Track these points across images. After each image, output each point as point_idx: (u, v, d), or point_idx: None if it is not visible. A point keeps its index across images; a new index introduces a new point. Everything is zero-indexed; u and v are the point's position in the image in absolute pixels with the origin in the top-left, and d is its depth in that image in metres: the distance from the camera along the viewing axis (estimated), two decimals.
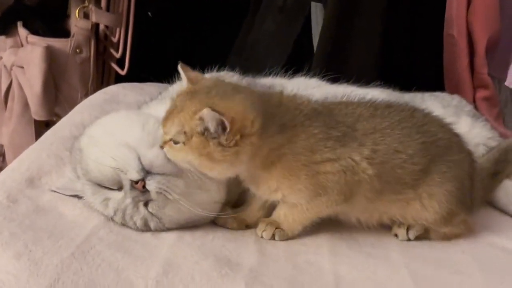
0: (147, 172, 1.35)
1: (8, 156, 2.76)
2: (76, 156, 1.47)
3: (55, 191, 1.51)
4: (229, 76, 1.69)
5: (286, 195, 1.36)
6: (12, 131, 2.71)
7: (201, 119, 1.25)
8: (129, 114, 1.51)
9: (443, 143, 1.47)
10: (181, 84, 1.63)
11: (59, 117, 2.74)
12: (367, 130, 1.38)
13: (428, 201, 1.44)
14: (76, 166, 1.48)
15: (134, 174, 1.35)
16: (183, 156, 1.31)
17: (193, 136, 1.28)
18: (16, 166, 1.60)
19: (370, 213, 1.46)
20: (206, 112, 1.22)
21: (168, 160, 1.36)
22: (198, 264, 1.28)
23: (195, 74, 1.41)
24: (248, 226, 1.48)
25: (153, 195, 1.36)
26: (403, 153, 1.39)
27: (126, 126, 1.43)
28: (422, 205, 1.45)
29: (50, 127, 2.81)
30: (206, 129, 1.25)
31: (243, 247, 1.39)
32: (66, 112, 2.71)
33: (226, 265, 1.29)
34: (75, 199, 1.48)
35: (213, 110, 1.22)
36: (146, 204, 1.38)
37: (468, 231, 1.55)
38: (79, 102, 2.68)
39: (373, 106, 1.46)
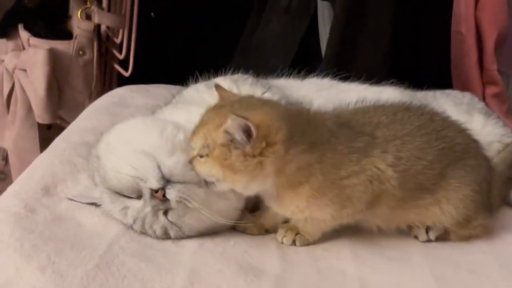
0: (167, 181, 1.34)
1: (12, 160, 2.73)
2: (94, 164, 1.46)
3: (72, 199, 1.48)
4: (244, 79, 1.67)
5: (313, 213, 1.34)
6: (16, 135, 2.69)
7: (225, 131, 1.24)
8: (146, 121, 1.48)
9: (461, 148, 1.46)
10: (197, 88, 1.62)
11: (62, 120, 2.73)
12: (388, 137, 1.37)
13: (446, 206, 1.44)
14: (93, 174, 1.47)
15: (154, 183, 1.33)
16: (208, 170, 1.29)
17: (216, 148, 1.26)
18: (30, 174, 1.58)
19: (390, 221, 1.45)
20: (232, 118, 1.21)
21: (188, 168, 1.34)
22: (222, 272, 1.27)
23: (228, 93, 1.41)
24: (267, 231, 1.47)
25: (173, 203, 1.34)
26: (423, 160, 1.38)
27: (144, 133, 1.41)
28: (440, 210, 1.44)
29: (53, 130, 2.82)
30: (231, 140, 1.24)
31: (265, 253, 1.38)
32: (69, 115, 2.71)
33: (250, 272, 1.28)
34: (92, 207, 1.46)
35: (238, 116, 1.20)
36: (165, 213, 1.36)
37: (486, 233, 1.55)
38: (83, 105, 2.68)
39: (391, 111, 1.44)
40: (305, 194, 1.29)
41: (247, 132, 1.22)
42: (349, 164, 1.30)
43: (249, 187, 1.29)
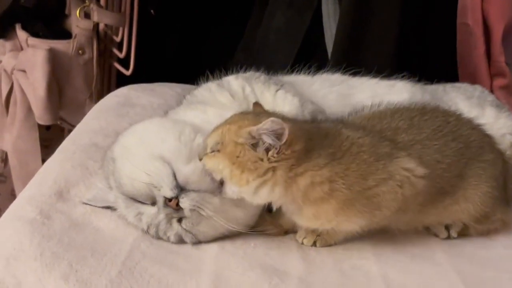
0: (181, 189, 1.31)
1: (12, 162, 2.69)
2: (109, 166, 1.43)
3: (87, 204, 1.46)
4: (256, 77, 1.64)
5: (340, 223, 1.32)
6: (16, 136, 2.65)
7: (249, 133, 1.23)
8: (164, 123, 1.45)
9: (476, 144, 1.46)
10: (208, 88, 1.60)
11: (63, 120, 2.70)
12: (408, 142, 1.36)
13: (464, 204, 1.43)
14: (108, 176, 1.44)
15: (168, 192, 1.30)
16: (216, 164, 1.27)
17: (230, 145, 1.25)
18: (42, 179, 1.55)
19: (410, 224, 1.44)
20: (272, 120, 1.19)
21: (205, 176, 1.31)
22: (246, 276, 1.26)
23: (261, 108, 1.41)
24: (286, 232, 1.45)
25: (186, 212, 1.32)
26: (443, 163, 1.38)
27: (162, 137, 1.37)
28: (459, 208, 1.44)
29: (52, 130, 2.79)
30: (255, 142, 1.23)
31: (286, 254, 1.37)
32: (70, 116, 2.69)
33: (274, 275, 1.26)
34: (108, 211, 1.43)
35: (277, 118, 1.20)
36: (179, 220, 1.33)
37: (504, 227, 1.54)
38: (83, 105, 2.66)
39: (408, 116, 1.44)
40: (333, 208, 1.27)
41: (278, 136, 1.20)
42: (376, 173, 1.28)
43: (257, 194, 1.26)
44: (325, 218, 1.29)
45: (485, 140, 1.51)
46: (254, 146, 1.23)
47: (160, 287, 1.19)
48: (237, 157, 1.24)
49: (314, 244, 1.41)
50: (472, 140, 1.46)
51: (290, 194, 1.26)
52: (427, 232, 1.51)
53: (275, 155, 1.22)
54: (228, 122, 1.29)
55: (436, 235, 1.49)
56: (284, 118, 1.29)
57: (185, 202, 1.30)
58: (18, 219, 1.36)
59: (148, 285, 1.19)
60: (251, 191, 1.26)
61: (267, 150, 1.22)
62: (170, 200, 1.31)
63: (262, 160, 1.23)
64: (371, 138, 1.32)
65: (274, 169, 1.23)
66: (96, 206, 1.46)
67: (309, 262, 1.34)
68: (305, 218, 1.31)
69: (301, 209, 1.29)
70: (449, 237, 1.49)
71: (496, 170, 1.48)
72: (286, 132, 1.20)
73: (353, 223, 1.32)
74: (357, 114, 1.50)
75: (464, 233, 1.50)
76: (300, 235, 1.42)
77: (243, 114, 1.32)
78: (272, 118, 1.19)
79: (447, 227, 1.49)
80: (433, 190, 1.36)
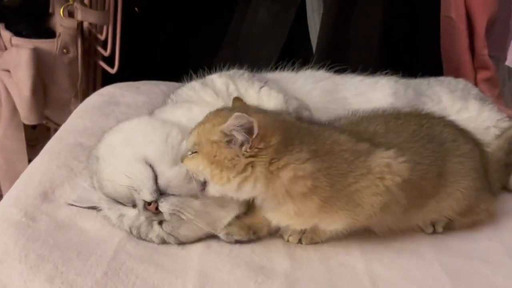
0: (161, 194, 1.30)
1: None
2: (93, 165, 1.42)
3: (72, 205, 1.45)
4: (240, 74, 1.64)
5: (323, 221, 1.32)
6: (2, 136, 2.64)
7: (222, 131, 1.22)
8: (152, 122, 1.43)
9: (450, 139, 1.47)
10: (192, 87, 1.60)
11: (48, 120, 2.69)
12: (387, 144, 1.36)
13: (447, 200, 1.44)
14: (92, 176, 1.43)
15: (147, 196, 1.30)
16: (196, 165, 1.26)
17: (206, 144, 1.25)
18: (27, 180, 1.55)
19: (393, 226, 1.44)
20: (236, 116, 1.19)
21: (188, 179, 1.31)
22: (232, 274, 1.26)
23: (242, 102, 1.41)
24: (255, 233, 1.40)
25: (166, 216, 1.31)
26: (423, 164, 1.38)
27: (148, 137, 1.36)
28: (442, 205, 1.45)
29: (38, 129, 2.78)
30: (227, 140, 1.23)
31: (272, 252, 1.36)
32: (55, 115, 2.67)
33: (260, 273, 1.27)
34: (94, 212, 1.43)
35: (243, 113, 1.19)
36: (160, 223, 1.33)
37: (489, 217, 1.56)
38: (68, 104, 2.65)
39: (383, 121, 1.45)
40: (315, 206, 1.27)
41: (248, 130, 1.20)
42: (356, 170, 1.28)
43: (240, 190, 1.25)
44: (308, 215, 1.28)
45: (459, 134, 1.51)
46: (229, 143, 1.23)
47: (146, 286, 1.19)
48: (215, 156, 1.24)
49: (300, 241, 1.41)
50: (445, 136, 1.46)
51: (272, 189, 1.25)
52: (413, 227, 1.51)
53: (248, 150, 1.22)
54: (203, 121, 1.29)
55: (422, 230, 1.49)
56: (258, 110, 1.30)
57: (164, 207, 1.30)
58: (3, 221, 1.36)
59: (134, 286, 1.19)
60: (233, 189, 1.25)
61: (242, 145, 1.22)
62: (149, 203, 1.30)
63: (238, 156, 1.22)
64: (351, 138, 1.32)
65: (252, 164, 1.22)
66: (81, 207, 1.45)
67: (295, 259, 1.34)
68: (287, 216, 1.30)
69: (284, 206, 1.28)
70: (434, 232, 1.49)
71: (474, 161, 1.49)
72: (255, 126, 1.19)
73: (335, 222, 1.32)
74: (340, 121, 1.49)
75: (449, 227, 1.50)
76: (286, 232, 1.42)
77: (217, 111, 1.31)
78: (237, 113, 1.19)
79: (432, 223, 1.49)
80: (416, 192, 1.37)
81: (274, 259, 1.33)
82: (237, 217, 1.39)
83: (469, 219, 1.51)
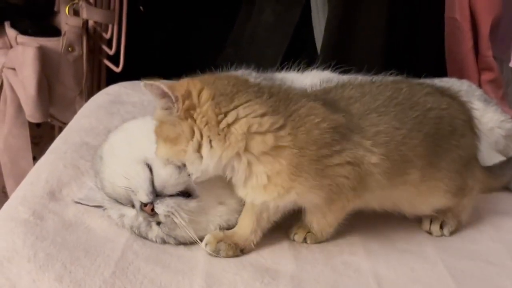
0: (157, 195, 1.31)
1: (3, 159, 2.69)
2: (97, 164, 1.43)
3: (78, 202, 1.47)
4: (247, 74, 1.65)
5: (301, 195, 1.26)
6: (7, 134, 2.65)
7: (155, 110, 1.26)
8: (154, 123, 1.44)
9: (435, 113, 1.41)
10: None
11: (53, 118, 2.70)
12: (363, 112, 1.33)
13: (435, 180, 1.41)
14: (96, 175, 1.45)
15: (144, 197, 1.30)
16: (160, 152, 1.28)
17: (156, 129, 1.28)
18: (35, 179, 1.56)
19: (382, 202, 1.41)
20: (144, 85, 1.22)
21: (184, 179, 1.31)
22: (239, 275, 1.27)
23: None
24: (242, 250, 1.36)
25: (162, 217, 1.32)
26: (402, 129, 1.33)
27: (148, 137, 1.35)
28: (429, 185, 1.41)
29: (42, 127, 2.79)
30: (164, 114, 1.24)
31: (278, 253, 1.38)
32: (60, 113, 2.69)
33: (266, 274, 1.28)
34: (100, 210, 1.44)
35: (148, 81, 1.22)
36: (159, 223, 1.34)
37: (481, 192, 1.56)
38: (73, 102, 2.66)
39: (358, 84, 1.41)
40: (286, 172, 1.22)
41: (164, 94, 1.21)
42: (331, 143, 1.24)
43: (203, 158, 1.22)
44: (281, 184, 1.23)
45: (444, 102, 1.45)
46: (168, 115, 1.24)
47: (154, 287, 1.20)
48: (162, 134, 1.25)
49: (305, 240, 1.42)
50: (429, 108, 1.40)
51: (232, 148, 1.21)
52: (418, 225, 1.53)
53: (177, 112, 1.21)
54: None
55: (429, 233, 1.51)
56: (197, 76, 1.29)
57: (160, 208, 1.30)
58: (11, 220, 1.37)
59: (141, 285, 1.20)
60: (195, 158, 1.23)
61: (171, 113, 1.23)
62: (145, 205, 1.31)
63: (177, 123, 1.22)
64: (323, 104, 1.29)
65: (196, 126, 1.22)
66: (87, 205, 1.46)
67: (301, 259, 1.35)
68: (259, 188, 1.25)
69: (254, 174, 1.25)
70: (442, 235, 1.51)
71: (467, 138, 1.46)
72: (165, 88, 1.19)
73: (312, 193, 1.27)
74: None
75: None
76: (291, 231, 1.43)
77: None
78: (143, 82, 1.22)
79: (441, 226, 1.50)
80: (396, 157, 1.32)
81: (280, 260, 1.34)
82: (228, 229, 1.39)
83: (463, 203, 1.50)
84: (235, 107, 1.22)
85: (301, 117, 1.24)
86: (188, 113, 1.22)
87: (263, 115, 1.22)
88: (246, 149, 1.22)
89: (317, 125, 1.24)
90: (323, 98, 1.34)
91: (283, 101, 1.26)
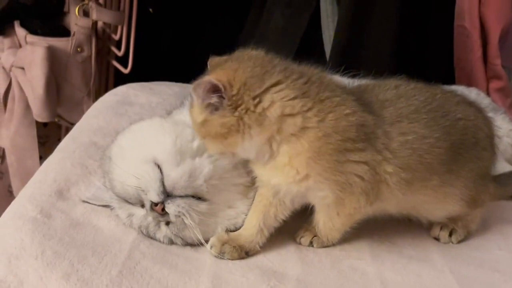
0: (167, 195, 1.31)
1: (10, 159, 2.70)
2: (106, 165, 1.44)
3: (86, 202, 1.47)
4: None
5: (314, 185, 1.26)
6: (14, 133, 2.65)
7: (200, 108, 1.25)
8: (163, 124, 1.43)
9: (463, 124, 1.40)
10: None
11: (60, 118, 2.71)
12: (395, 118, 1.32)
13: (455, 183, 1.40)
14: (105, 175, 1.45)
15: (154, 197, 1.31)
16: (211, 147, 1.30)
17: (200, 128, 1.28)
18: (43, 178, 1.56)
19: (399, 206, 1.41)
20: (194, 87, 1.22)
21: (195, 179, 1.32)
22: (245, 278, 1.27)
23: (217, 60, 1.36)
24: (247, 253, 1.37)
25: (172, 218, 1.32)
26: (430, 138, 1.32)
27: (159, 138, 1.37)
28: (447, 191, 1.41)
29: (49, 127, 2.80)
30: (210, 111, 1.24)
31: (284, 256, 1.38)
32: (68, 113, 2.69)
33: (273, 277, 1.28)
34: (107, 210, 1.44)
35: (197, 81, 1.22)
36: (168, 223, 1.34)
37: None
38: (81, 102, 2.66)
39: (394, 86, 1.41)
40: (304, 155, 1.22)
41: (214, 89, 1.21)
42: (355, 139, 1.24)
43: (250, 146, 1.25)
44: (297, 168, 1.23)
45: (471, 112, 1.45)
46: (212, 114, 1.24)
47: (160, 287, 1.20)
48: (210, 132, 1.25)
49: (311, 244, 1.42)
50: (459, 117, 1.39)
51: (267, 131, 1.23)
52: (425, 232, 1.52)
53: (228, 104, 1.22)
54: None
55: (436, 239, 1.51)
56: (217, 64, 1.29)
57: (170, 208, 1.31)
58: (19, 218, 1.37)
59: (148, 285, 1.20)
60: (241, 148, 1.26)
61: (217, 108, 1.23)
62: (156, 204, 1.32)
63: (225, 117, 1.22)
64: (357, 100, 1.29)
65: (241, 116, 1.22)
66: (95, 205, 1.47)
67: (307, 263, 1.35)
68: (277, 168, 1.26)
69: (278, 153, 1.25)
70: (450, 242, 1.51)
71: (487, 152, 1.46)
72: (215, 81, 1.20)
73: (325, 186, 1.27)
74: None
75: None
76: (298, 234, 1.43)
77: None
78: (192, 86, 1.22)
79: (450, 233, 1.50)
80: (419, 166, 1.32)
81: (286, 263, 1.34)
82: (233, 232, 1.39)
83: (475, 214, 1.50)
84: (267, 89, 1.22)
85: (333, 104, 1.24)
86: (235, 103, 1.22)
87: (294, 98, 1.22)
88: (278, 131, 1.23)
89: (347, 116, 1.24)
90: (359, 96, 1.34)
91: (315, 85, 1.26)
